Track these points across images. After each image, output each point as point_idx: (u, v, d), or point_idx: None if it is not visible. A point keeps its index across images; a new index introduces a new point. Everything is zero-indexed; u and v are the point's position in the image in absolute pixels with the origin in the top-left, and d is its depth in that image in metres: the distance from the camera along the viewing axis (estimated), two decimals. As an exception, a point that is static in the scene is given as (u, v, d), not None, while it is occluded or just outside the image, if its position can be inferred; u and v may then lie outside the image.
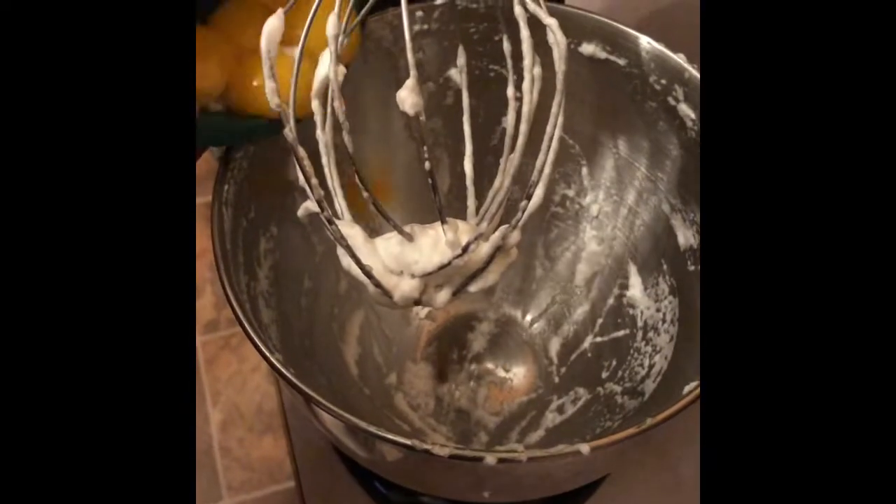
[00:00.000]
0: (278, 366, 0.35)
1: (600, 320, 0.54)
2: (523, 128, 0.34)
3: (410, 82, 0.32)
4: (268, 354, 0.36)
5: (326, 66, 0.36)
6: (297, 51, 0.35)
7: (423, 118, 0.33)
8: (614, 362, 0.51)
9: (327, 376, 0.49)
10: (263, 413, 0.59)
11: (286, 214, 0.47)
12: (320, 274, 0.50)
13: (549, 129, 0.34)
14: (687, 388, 0.36)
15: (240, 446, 0.58)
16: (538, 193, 0.35)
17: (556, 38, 0.34)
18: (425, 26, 0.48)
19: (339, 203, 0.39)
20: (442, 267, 0.36)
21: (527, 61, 0.35)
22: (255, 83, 0.40)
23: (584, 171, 0.53)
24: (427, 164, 0.33)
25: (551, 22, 0.34)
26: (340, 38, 0.36)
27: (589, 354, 0.53)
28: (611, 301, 0.53)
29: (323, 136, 0.39)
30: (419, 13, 0.48)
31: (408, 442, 0.34)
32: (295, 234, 0.48)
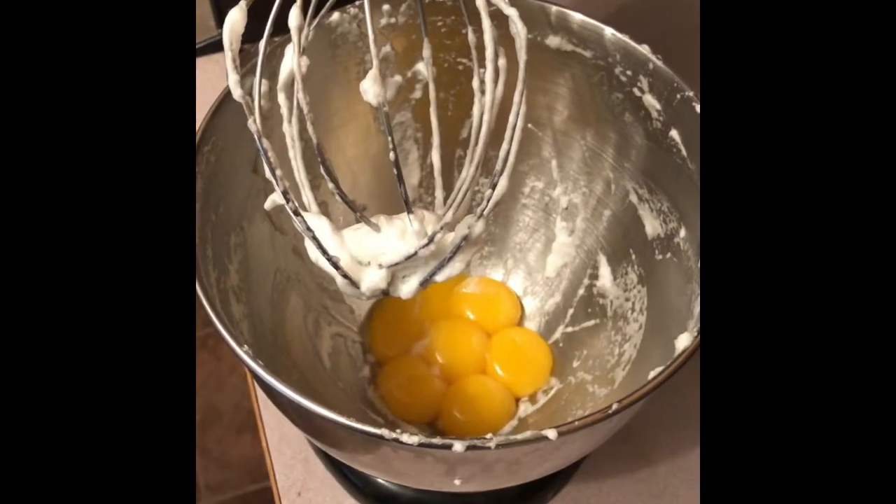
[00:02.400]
0: (245, 357, 0.35)
1: (571, 310, 0.54)
2: (486, 117, 0.35)
3: (373, 72, 0.32)
4: (235, 347, 0.36)
5: (290, 59, 0.36)
6: (261, 43, 0.35)
7: (386, 108, 0.33)
8: (585, 352, 0.52)
9: (301, 371, 0.49)
10: (241, 413, 0.59)
11: (256, 209, 0.47)
12: (291, 268, 0.51)
13: (511, 118, 0.34)
14: (652, 374, 0.37)
15: (218, 446, 0.58)
16: (502, 183, 0.35)
17: (517, 27, 0.34)
18: (392, 20, 0.48)
19: (307, 195, 0.39)
20: (409, 257, 0.36)
21: (488, 51, 0.35)
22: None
23: (554, 163, 0.53)
24: (392, 154, 0.33)
25: (511, 12, 0.34)
26: (304, 31, 0.36)
27: (560, 344, 0.54)
28: (581, 291, 0.54)
29: (289, 129, 0.39)
30: (386, 6, 0.48)
31: (377, 431, 0.34)
32: (265, 229, 0.48)
